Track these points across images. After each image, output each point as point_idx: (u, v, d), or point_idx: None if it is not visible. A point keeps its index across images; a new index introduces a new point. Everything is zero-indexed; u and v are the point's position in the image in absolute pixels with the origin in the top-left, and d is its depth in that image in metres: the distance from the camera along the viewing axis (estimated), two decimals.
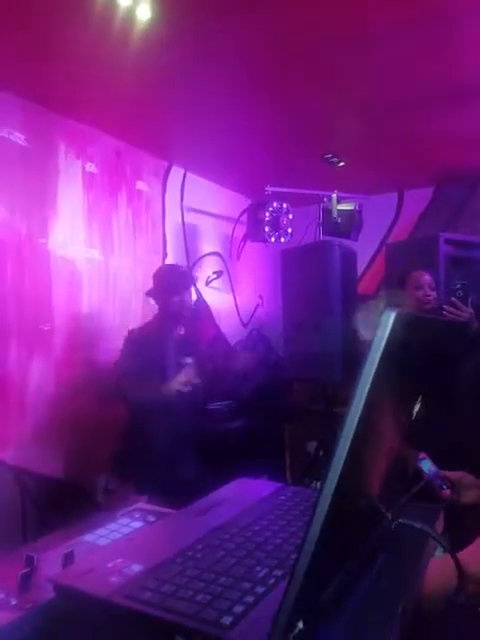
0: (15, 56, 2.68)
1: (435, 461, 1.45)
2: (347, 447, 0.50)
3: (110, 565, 0.74)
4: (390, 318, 0.48)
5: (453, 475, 1.48)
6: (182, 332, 3.20)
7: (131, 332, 3.16)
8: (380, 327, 0.48)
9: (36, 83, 2.94)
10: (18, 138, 3.12)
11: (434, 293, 2.97)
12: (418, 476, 1.33)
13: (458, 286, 3.02)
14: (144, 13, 2.38)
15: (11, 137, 3.08)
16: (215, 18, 2.42)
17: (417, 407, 0.75)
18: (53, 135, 3.35)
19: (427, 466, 1.42)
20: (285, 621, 0.55)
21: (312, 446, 4.06)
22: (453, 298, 2.87)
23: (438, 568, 0.94)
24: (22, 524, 3.03)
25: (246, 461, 3.11)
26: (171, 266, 3.67)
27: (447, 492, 1.38)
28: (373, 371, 0.48)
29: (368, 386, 0.48)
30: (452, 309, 2.79)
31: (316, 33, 2.57)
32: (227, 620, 0.61)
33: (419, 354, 0.65)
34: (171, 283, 3.13)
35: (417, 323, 0.62)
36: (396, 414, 0.71)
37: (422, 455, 1.43)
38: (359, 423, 0.50)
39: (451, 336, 0.77)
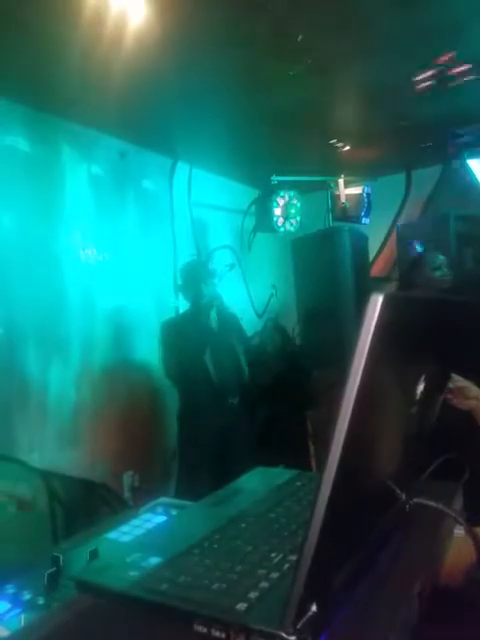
0: (13, 63, 2.70)
1: None
2: (344, 431, 0.51)
3: (128, 560, 0.76)
4: (378, 302, 0.48)
5: (461, 382, 1.48)
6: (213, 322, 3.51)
7: (166, 324, 3.46)
8: (368, 311, 0.48)
9: (37, 89, 2.96)
10: (22, 145, 3.14)
11: (450, 272, 2.98)
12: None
13: None
14: (137, 10, 2.38)
15: (15, 145, 3.11)
16: (209, 9, 2.41)
17: (421, 387, 0.76)
18: (56, 140, 3.37)
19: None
20: (296, 605, 0.56)
21: None
22: None
23: (457, 545, 0.95)
24: (51, 526, 3.06)
25: (269, 451, 3.12)
26: (196, 261, 3.95)
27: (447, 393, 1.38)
28: (364, 356, 0.49)
29: (360, 372, 0.49)
30: None
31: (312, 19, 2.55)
32: (242, 606, 0.62)
33: (416, 335, 0.65)
34: (199, 276, 3.47)
35: (411, 304, 0.62)
36: (399, 395, 0.71)
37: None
38: (354, 408, 0.50)
39: (451, 314, 0.77)
